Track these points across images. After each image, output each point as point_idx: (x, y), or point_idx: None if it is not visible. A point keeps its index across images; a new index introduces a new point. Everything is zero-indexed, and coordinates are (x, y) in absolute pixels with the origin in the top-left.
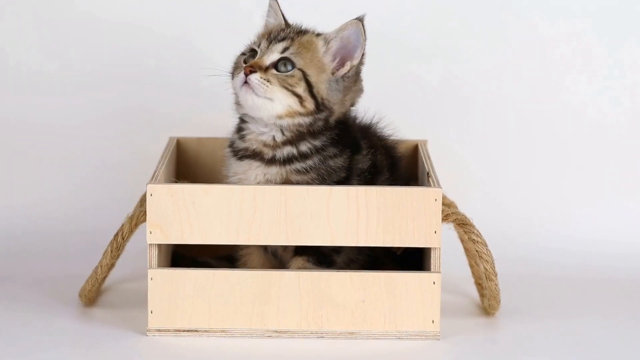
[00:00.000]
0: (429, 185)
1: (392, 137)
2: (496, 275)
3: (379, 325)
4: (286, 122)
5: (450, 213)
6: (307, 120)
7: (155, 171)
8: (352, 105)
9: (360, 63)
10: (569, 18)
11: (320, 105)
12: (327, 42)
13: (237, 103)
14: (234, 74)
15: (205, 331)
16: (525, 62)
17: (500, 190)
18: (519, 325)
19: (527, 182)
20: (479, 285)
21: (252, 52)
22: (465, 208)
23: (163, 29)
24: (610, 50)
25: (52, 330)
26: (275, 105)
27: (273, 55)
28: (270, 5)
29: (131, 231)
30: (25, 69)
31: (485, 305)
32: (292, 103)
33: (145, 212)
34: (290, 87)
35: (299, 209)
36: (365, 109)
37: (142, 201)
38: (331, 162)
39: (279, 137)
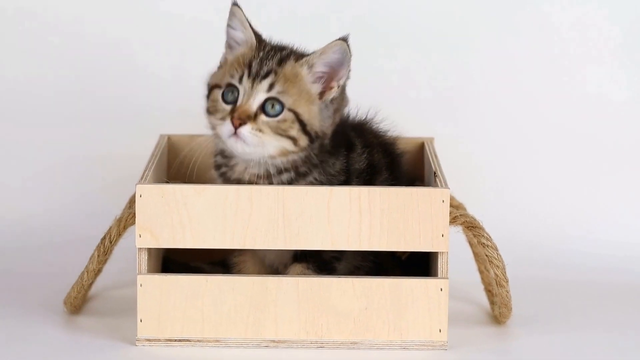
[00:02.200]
0: (435, 185)
1: (389, 133)
2: (507, 282)
3: (382, 334)
4: (280, 160)
5: (458, 215)
6: (301, 154)
7: (144, 171)
8: (341, 117)
9: (347, 78)
10: (582, 6)
11: (314, 139)
12: (310, 67)
13: (218, 137)
14: (212, 113)
15: (198, 341)
16: (537, 55)
17: (511, 191)
18: (532, 335)
19: (540, 182)
20: (489, 292)
21: (231, 88)
22: (474, 210)
23: (156, 25)
24: (626, 39)
25: (35, 339)
26: (267, 149)
27: (259, 96)
28: (233, 14)
29: (119, 234)
30: (14, 71)
31: (495, 313)
32: (286, 145)
33: (134, 214)
34: (283, 133)
35: (297, 210)
36: (358, 105)
37: (131, 202)
38: (330, 170)
39: (273, 170)
